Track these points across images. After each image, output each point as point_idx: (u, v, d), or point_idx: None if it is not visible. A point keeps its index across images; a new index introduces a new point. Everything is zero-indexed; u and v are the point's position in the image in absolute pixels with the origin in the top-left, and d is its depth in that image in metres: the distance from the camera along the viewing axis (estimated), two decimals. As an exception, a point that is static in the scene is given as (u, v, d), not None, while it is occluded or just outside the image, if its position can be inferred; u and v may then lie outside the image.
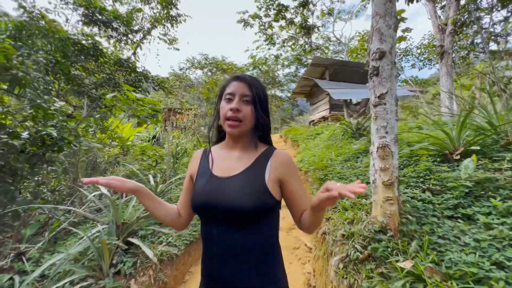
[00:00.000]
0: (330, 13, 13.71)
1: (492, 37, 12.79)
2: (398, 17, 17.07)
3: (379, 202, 1.79)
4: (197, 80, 28.84)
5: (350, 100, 8.82)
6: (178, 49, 16.38)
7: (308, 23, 13.07)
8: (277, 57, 15.02)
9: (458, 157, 2.36)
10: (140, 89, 9.16)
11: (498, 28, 13.52)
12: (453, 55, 13.87)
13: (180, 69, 28.23)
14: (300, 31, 13.13)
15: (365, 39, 17.52)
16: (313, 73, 10.88)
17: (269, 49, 14.37)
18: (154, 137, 10.48)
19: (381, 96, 1.82)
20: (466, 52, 15.10)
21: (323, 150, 4.86)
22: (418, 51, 17.93)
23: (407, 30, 16.77)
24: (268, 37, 13.03)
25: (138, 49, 13.04)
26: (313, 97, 12.61)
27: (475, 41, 14.69)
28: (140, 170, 5.55)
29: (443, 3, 13.85)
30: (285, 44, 14.33)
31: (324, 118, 10.38)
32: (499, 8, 12.98)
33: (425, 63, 17.99)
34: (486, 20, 13.60)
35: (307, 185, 3.85)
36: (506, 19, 13.29)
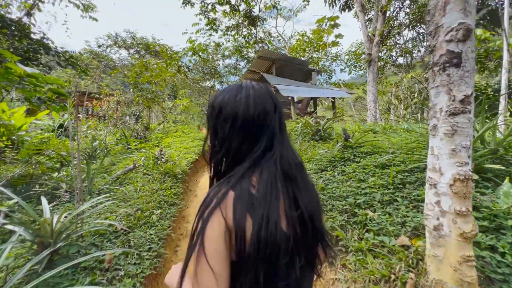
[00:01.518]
0: (275, 6, 13.45)
1: (403, 53, 15.08)
2: (332, 22, 18.24)
3: (450, 261, 1.25)
4: (121, 62, 24.75)
5: (293, 97, 8.72)
6: (96, 19, 13.36)
7: (253, 13, 12.46)
8: (218, 45, 13.89)
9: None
10: (36, 62, 6.78)
11: (409, 45, 16.03)
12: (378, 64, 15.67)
13: (99, 46, 23.61)
14: (245, 20, 12.41)
15: (306, 37, 18.12)
16: (259, 66, 10.36)
17: (210, 35, 13.19)
18: (61, 126, 8.02)
19: (464, 99, 1.23)
20: (383, 63, 17.48)
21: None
22: (347, 57, 19.67)
23: (339, 36, 18.13)
24: (210, 21, 11.77)
25: (36, 11, 9.80)
26: (257, 92, 11.98)
27: (391, 54, 17.14)
28: (34, 175, 3.84)
29: (369, 16, 15.46)
30: (228, 33, 13.33)
31: (270, 115, 10.04)
32: (411, 28, 15.36)
33: (351, 69, 19.94)
34: (406, 34, 15.99)
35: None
36: (413, 39, 15.88)
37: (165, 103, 12.91)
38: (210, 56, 14.84)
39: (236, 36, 13.58)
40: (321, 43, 17.24)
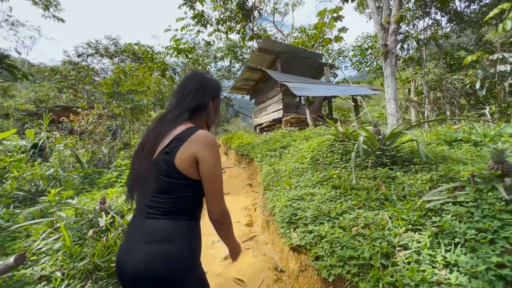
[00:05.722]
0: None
1: (424, 42, 13.28)
2: (335, 15, 16.49)
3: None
4: (104, 71, 22.72)
5: (307, 98, 6.79)
6: (62, 20, 11.35)
7: (247, 3, 10.63)
8: (208, 43, 11.97)
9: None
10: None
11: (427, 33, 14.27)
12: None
13: (79, 56, 21.59)
14: (238, 12, 10.58)
15: (306, 34, 16.32)
16: (260, 61, 8.44)
17: (198, 32, 11.22)
18: (35, 146, 6.13)
19: None
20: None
21: (332, 194, 2.34)
22: (352, 52, 17.89)
23: (344, 30, 16.34)
24: (197, 14, 9.85)
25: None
26: (259, 94, 10.07)
27: (404, 45, 15.37)
28: None
29: (379, 3, 13.64)
30: (220, 28, 11.39)
31: (276, 121, 8.09)
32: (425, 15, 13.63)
33: (356, 66, 18.15)
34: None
35: None
36: (427, 27, 14.12)
37: (148, 114, 10.82)
38: (200, 58, 12.94)
39: (228, 33, 11.71)
40: (320, 39, 15.40)
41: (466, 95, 10.80)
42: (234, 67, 17.42)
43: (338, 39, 16.28)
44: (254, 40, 13.00)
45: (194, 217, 0.96)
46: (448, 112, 10.69)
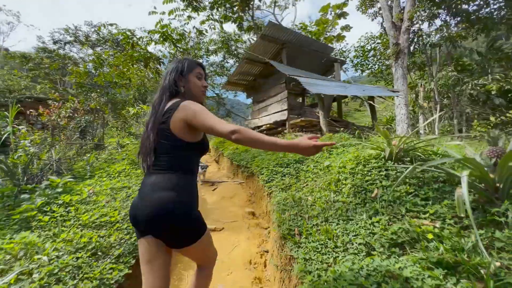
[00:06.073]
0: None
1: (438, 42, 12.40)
2: (339, 11, 15.41)
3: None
4: (85, 62, 20.72)
5: (321, 98, 5.55)
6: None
7: (247, -11, 9.32)
8: (200, 32, 10.52)
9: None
10: None
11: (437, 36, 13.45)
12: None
13: (55, 42, 19.55)
14: (236, -2, 9.26)
15: (308, 32, 15.25)
16: (263, 51, 7.06)
17: (189, 17, 9.74)
18: None
19: None
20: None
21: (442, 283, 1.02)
22: (353, 53, 16.95)
23: (347, 28, 15.34)
24: (188, -5, 8.43)
25: None
26: (258, 91, 8.75)
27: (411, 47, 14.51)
28: None
29: (389, 2, 12.61)
30: (213, 14, 9.94)
31: (279, 124, 6.77)
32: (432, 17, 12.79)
33: (357, 67, 17.26)
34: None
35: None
36: (439, 28, 13.28)
37: (126, 110, 9.28)
38: (191, 50, 11.49)
39: (224, 22, 10.30)
40: (322, 38, 14.29)
41: (481, 103, 9.90)
42: (227, 62, 16.00)
43: (340, 37, 15.24)
44: (253, 32, 11.68)
45: (190, 171, 1.18)
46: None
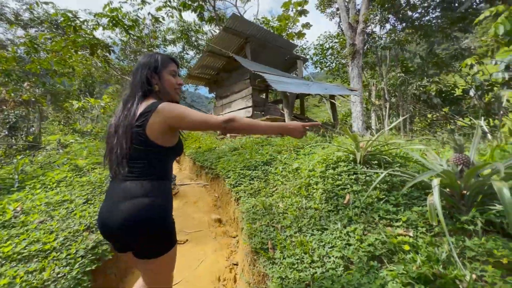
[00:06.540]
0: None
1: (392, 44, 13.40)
2: (300, 8, 15.68)
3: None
4: (14, 44, 17.59)
5: (286, 95, 5.50)
6: None
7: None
8: (156, 19, 9.58)
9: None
10: None
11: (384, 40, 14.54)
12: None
13: (-29, 19, 16.17)
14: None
15: (270, 27, 15.19)
16: (226, 45, 6.67)
17: (143, 2, 8.77)
18: None
19: None
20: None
21: None
22: (313, 51, 17.48)
23: (307, 25, 15.69)
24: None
25: None
26: (221, 86, 8.32)
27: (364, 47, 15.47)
28: None
29: (347, 3, 13.21)
30: (171, 1, 9.16)
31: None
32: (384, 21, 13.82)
33: (317, 65, 17.88)
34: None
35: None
36: (388, 33, 14.42)
37: (70, 104, 8.17)
38: (146, 38, 10.48)
39: (182, 10, 9.55)
40: (284, 34, 14.42)
41: (422, 102, 11.06)
42: (187, 54, 15.13)
43: (301, 35, 15.56)
44: (214, 24, 11.13)
45: (165, 176, 1.12)
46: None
